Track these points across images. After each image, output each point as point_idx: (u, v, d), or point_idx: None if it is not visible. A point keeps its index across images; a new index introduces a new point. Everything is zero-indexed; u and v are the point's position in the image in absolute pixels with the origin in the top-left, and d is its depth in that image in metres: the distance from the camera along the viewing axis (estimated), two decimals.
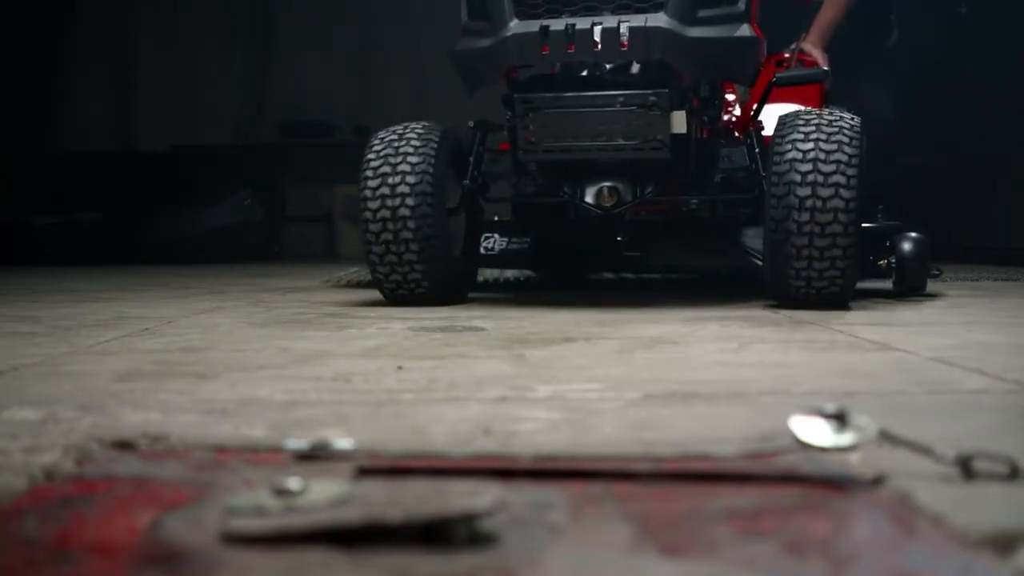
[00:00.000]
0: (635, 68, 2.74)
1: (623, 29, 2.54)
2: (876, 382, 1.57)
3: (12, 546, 0.75)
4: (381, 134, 2.95)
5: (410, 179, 2.79)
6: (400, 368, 1.69)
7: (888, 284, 3.14)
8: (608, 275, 4.04)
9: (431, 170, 2.82)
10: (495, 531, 0.79)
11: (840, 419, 0.98)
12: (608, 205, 2.89)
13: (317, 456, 1.02)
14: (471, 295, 3.21)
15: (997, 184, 5.97)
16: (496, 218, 3.52)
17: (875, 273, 3.17)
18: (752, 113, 3.15)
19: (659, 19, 2.54)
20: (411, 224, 2.78)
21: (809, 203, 2.56)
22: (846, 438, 0.97)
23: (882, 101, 4.29)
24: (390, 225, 2.78)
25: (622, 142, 2.70)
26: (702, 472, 0.97)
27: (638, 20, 2.54)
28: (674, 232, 3.26)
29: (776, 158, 2.64)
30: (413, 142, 2.86)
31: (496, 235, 3.28)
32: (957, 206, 6.19)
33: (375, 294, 3.05)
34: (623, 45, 2.55)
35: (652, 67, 2.69)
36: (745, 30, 2.61)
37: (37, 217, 6.34)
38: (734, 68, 2.76)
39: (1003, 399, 1.42)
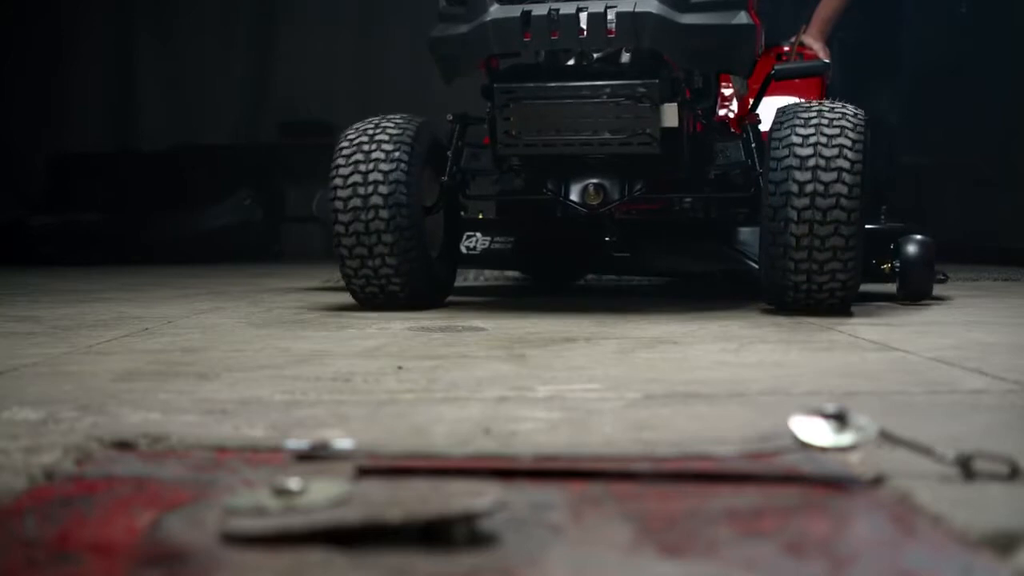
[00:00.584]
0: (625, 58, 2.60)
1: (610, 15, 2.37)
2: (876, 382, 1.57)
3: (12, 546, 0.75)
4: (356, 125, 2.80)
5: (384, 169, 2.64)
6: (400, 368, 1.69)
7: (892, 289, 2.99)
8: (596, 278, 3.91)
9: (406, 164, 2.67)
10: (496, 531, 0.79)
11: (840, 419, 0.98)
12: (594, 203, 2.76)
13: (317, 456, 1.02)
14: (451, 298, 3.08)
15: (996, 184, 5.97)
16: (481, 216, 3.39)
17: (878, 278, 3.03)
18: (749, 107, 2.97)
19: (649, 4, 2.38)
20: (384, 217, 2.63)
21: (810, 188, 2.39)
22: (846, 438, 0.97)
23: (886, 104, 4.27)
24: (362, 215, 2.64)
25: (609, 136, 2.55)
26: (702, 472, 0.97)
27: (626, 5, 2.38)
28: (666, 233, 3.13)
29: (774, 144, 2.48)
30: (389, 131, 2.72)
31: (478, 234, 3.14)
32: (957, 206, 6.19)
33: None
34: (610, 32, 2.38)
35: (642, 56, 2.55)
36: (742, 17, 2.44)
37: (36, 217, 6.34)
38: (730, 58, 2.59)
39: (1003, 399, 1.42)
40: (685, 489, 0.93)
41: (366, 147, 2.68)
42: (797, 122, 2.47)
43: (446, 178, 2.88)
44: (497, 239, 3.16)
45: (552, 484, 0.94)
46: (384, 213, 2.63)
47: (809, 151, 2.42)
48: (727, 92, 3.25)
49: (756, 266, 2.72)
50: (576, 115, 2.53)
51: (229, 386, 1.52)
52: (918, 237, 2.94)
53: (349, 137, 2.74)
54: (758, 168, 2.71)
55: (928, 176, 6.18)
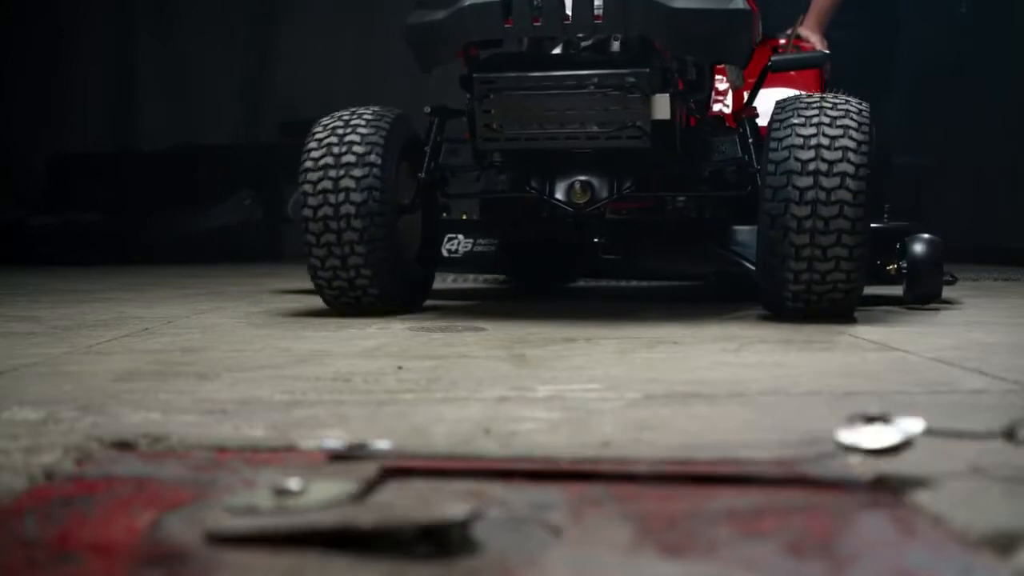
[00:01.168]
0: (614, 46, 2.44)
1: None
2: (876, 382, 1.57)
3: (12, 546, 0.75)
4: (325, 120, 2.63)
5: (356, 172, 2.48)
6: (400, 368, 1.69)
7: (898, 291, 2.84)
8: (592, 280, 3.76)
9: (380, 161, 2.51)
10: (496, 531, 0.79)
11: (884, 421, 0.97)
12: (581, 202, 2.58)
13: (353, 456, 0.99)
14: (450, 299, 3.01)
15: (997, 184, 5.98)
16: (464, 216, 3.26)
17: (883, 280, 2.84)
18: (746, 100, 2.81)
19: None
20: (356, 223, 2.47)
21: (811, 195, 2.23)
22: (891, 436, 0.95)
23: (883, 109, 4.24)
24: (332, 224, 2.48)
25: (596, 129, 2.39)
26: (702, 474, 0.97)
27: None
28: (657, 233, 2.98)
29: (773, 144, 2.32)
30: (360, 130, 2.55)
31: (460, 236, 3.00)
32: (956, 206, 6.19)
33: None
34: (597, 18, 2.22)
35: (631, 44, 2.40)
36: (738, 2, 2.31)
37: (36, 217, 6.34)
38: (725, 45, 2.44)
39: (1003, 399, 1.42)
40: (685, 489, 0.93)
41: (336, 149, 2.53)
42: (797, 121, 2.31)
43: (423, 174, 2.71)
44: (480, 241, 3.04)
45: (552, 484, 0.94)
46: (358, 223, 2.49)
47: (810, 154, 2.27)
48: (721, 87, 3.12)
49: (751, 267, 2.60)
50: (561, 107, 2.38)
51: (229, 386, 1.52)
52: (925, 236, 2.79)
53: (318, 137, 2.58)
54: (755, 165, 2.56)
55: (927, 176, 6.18)
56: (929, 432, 0.97)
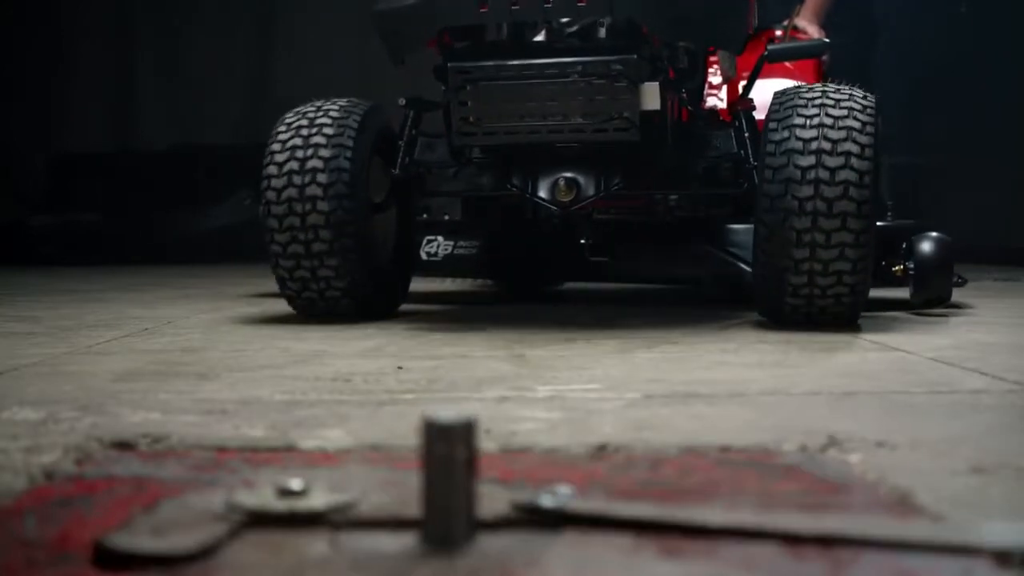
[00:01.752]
0: (601, 33, 2.25)
1: None
2: (876, 382, 1.57)
3: (12, 546, 0.75)
4: (288, 118, 2.47)
5: (324, 155, 2.34)
6: (400, 368, 1.69)
7: (904, 294, 2.70)
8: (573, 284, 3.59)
9: (348, 164, 2.36)
10: (496, 532, 0.79)
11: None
12: (566, 200, 2.42)
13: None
14: (450, 300, 2.95)
15: (996, 183, 5.97)
16: (447, 217, 3.11)
17: (888, 281, 2.70)
18: (741, 91, 2.64)
19: None
20: (323, 210, 2.33)
21: (811, 206, 2.09)
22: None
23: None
24: (297, 207, 2.34)
25: (581, 122, 2.23)
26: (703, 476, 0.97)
27: None
28: (648, 234, 2.84)
29: (770, 148, 2.17)
30: (332, 114, 2.41)
31: (440, 237, 2.87)
32: (956, 206, 6.19)
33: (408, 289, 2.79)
34: (581, 0, 2.09)
35: (618, 29, 2.22)
36: None
37: (37, 217, 6.35)
38: (718, 29, 2.31)
39: (1003, 399, 1.42)
40: (685, 490, 0.93)
41: (305, 131, 2.39)
42: (799, 102, 2.18)
43: (397, 171, 2.56)
44: (462, 243, 2.90)
45: (552, 483, 0.94)
46: (323, 206, 2.33)
47: (813, 133, 2.12)
48: (715, 81, 2.98)
49: (748, 269, 2.48)
50: (543, 98, 2.21)
51: (229, 386, 1.52)
52: (933, 235, 2.63)
53: (287, 121, 2.45)
54: (751, 160, 2.40)
55: (927, 176, 6.18)
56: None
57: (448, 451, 0.75)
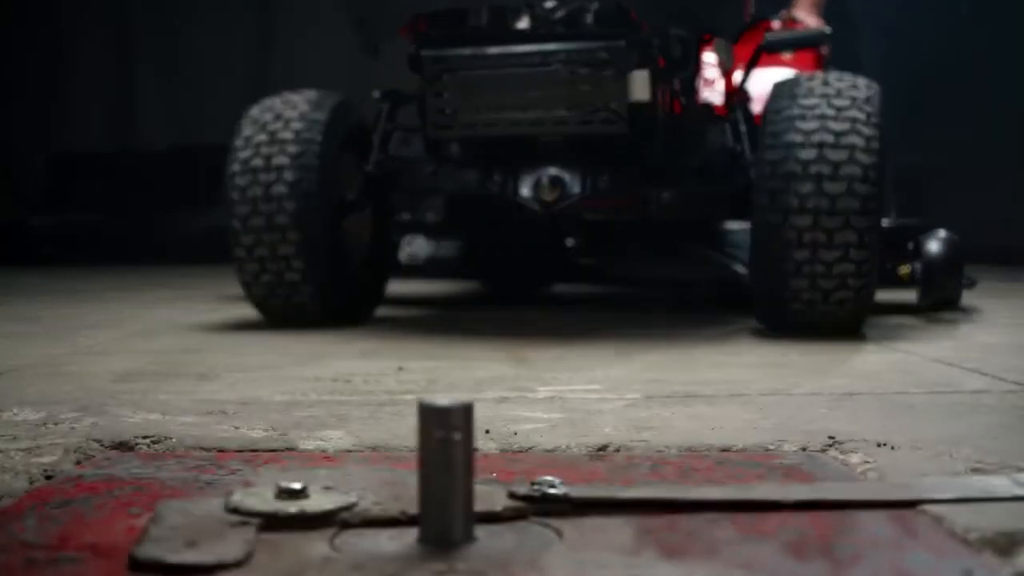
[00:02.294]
0: (588, 18, 2.11)
1: None
2: (877, 382, 1.56)
3: (12, 546, 0.75)
4: (253, 112, 2.34)
5: (292, 151, 2.20)
6: (401, 369, 1.69)
7: (910, 297, 2.58)
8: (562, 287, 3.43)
9: (317, 161, 2.21)
10: (497, 531, 0.79)
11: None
12: (550, 200, 2.24)
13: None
14: (449, 301, 2.91)
15: (997, 183, 5.97)
16: (429, 216, 2.93)
17: (893, 284, 2.58)
18: (738, 83, 2.50)
19: None
20: (289, 209, 2.19)
21: (812, 203, 1.96)
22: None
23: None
24: (265, 237, 2.21)
25: (564, 114, 2.08)
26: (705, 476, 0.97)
27: None
28: (639, 235, 2.71)
29: (770, 117, 2.03)
30: (294, 124, 2.25)
31: (420, 239, 2.77)
32: (956, 206, 6.18)
33: (391, 292, 2.74)
34: None
35: (605, 13, 2.08)
36: None
37: (37, 217, 6.35)
38: (711, 11, 2.24)
39: (1003, 399, 1.42)
40: (686, 490, 0.92)
41: (271, 126, 2.26)
42: (796, 112, 2.02)
43: (370, 167, 2.42)
44: (444, 244, 2.79)
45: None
46: (290, 204, 2.19)
47: (814, 124, 1.97)
48: (710, 73, 2.83)
49: (745, 271, 2.35)
50: (524, 88, 2.07)
51: (229, 386, 1.52)
52: (942, 234, 2.52)
53: (252, 115, 2.33)
54: (748, 157, 2.26)
55: (927, 176, 6.18)
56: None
57: (446, 435, 0.74)
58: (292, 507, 0.80)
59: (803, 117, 2.00)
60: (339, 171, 2.34)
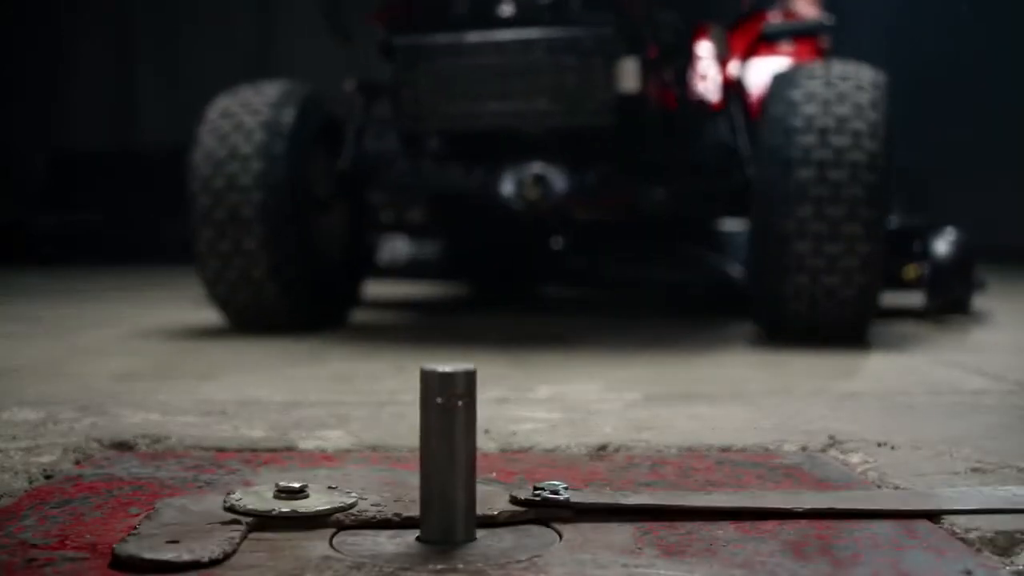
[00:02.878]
0: (575, 3, 1.99)
1: None
2: (878, 383, 1.56)
3: (11, 545, 0.75)
4: (220, 100, 2.18)
5: (255, 165, 2.03)
6: (400, 369, 1.69)
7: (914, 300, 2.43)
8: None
9: (285, 152, 2.05)
10: (498, 531, 0.79)
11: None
12: (533, 198, 2.11)
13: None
14: (448, 302, 2.86)
15: (997, 183, 5.97)
16: (411, 215, 2.69)
17: (899, 286, 2.43)
18: (735, 75, 2.36)
19: None
20: (258, 229, 2.03)
21: (817, 155, 1.79)
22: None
23: None
24: (229, 231, 2.04)
25: (548, 105, 1.93)
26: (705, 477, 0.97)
27: None
28: (630, 236, 2.56)
29: (770, 127, 1.87)
30: (261, 115, 2.09)
31: (400, 239, 2.63)
32: (956, 206, 6.18)
33: (374, 295, 2.77)
34: None
35: None
36: None
37: (37, 217, 6.35)
38: (707, 1, 2.07)
39: (1003, 399, 1.42)
40: (686, 489, 0.92)
41: (238, 116, 2.10)
42: (796, 96, 1.87)
43: (344, 163, 2.27)
44: (425, 245, 2.67)
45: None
46: (256, 196, 2.02)
47: (816, 108, 1.82)
48: (705, 64, 2.65)
49: (743, 272, 2.23)
50: (504, 77, 1.92)
51: (228, 386, 1.52)
52: (950, 233, 2.37)
53: (218, 104, 2.17)
54: (746, 152, 2.12)
55: (927, 176, 6.18)
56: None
57: (447, 402, 0.71)
58: (285, 507, 0.80)
59: (804, 101, 1.87)
60: (309, 164, 2.19)
